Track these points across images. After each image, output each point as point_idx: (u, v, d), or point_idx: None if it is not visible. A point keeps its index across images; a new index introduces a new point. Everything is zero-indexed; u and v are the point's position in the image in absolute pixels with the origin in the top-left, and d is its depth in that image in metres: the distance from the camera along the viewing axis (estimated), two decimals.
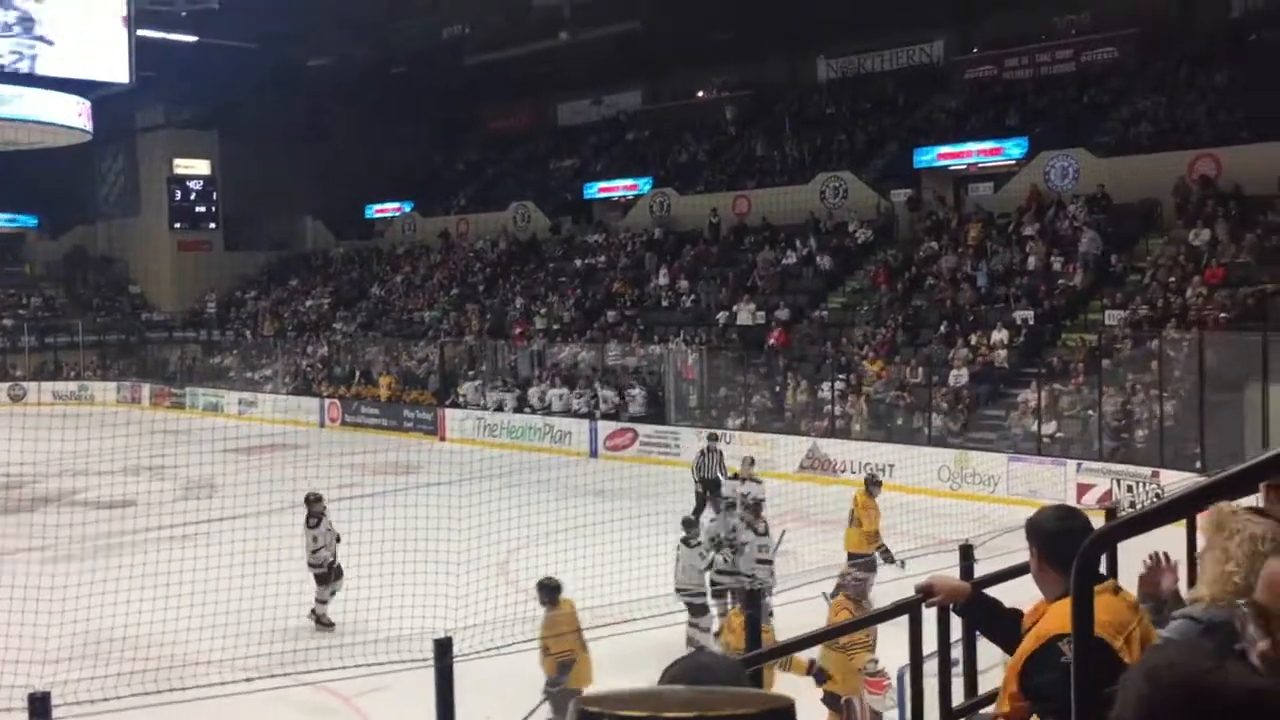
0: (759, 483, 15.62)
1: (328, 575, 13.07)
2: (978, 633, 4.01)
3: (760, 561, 12.16)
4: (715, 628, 11.68)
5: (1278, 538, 2.55)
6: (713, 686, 2.09)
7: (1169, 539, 3.18)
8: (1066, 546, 2.99)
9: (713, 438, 18.91)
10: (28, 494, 20.78)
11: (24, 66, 23.18)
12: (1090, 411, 20.03)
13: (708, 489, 17.53)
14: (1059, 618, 2.98)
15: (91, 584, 11.53)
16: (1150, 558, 3.41)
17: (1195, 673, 1.52)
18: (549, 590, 9.92)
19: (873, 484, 14.29)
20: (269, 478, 18.82)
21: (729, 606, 11.93)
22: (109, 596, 11.36)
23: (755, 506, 12.78)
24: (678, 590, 12.08)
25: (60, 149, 28.43)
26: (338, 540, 13.35)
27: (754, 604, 9.98)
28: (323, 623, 12.78)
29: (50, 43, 24.18)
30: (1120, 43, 29.27)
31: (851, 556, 12.54)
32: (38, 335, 40.01)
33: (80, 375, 38.76)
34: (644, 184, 35.81)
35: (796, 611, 11.26)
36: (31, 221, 44.40)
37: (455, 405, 29.29)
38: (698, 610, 11.83)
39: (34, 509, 19.08)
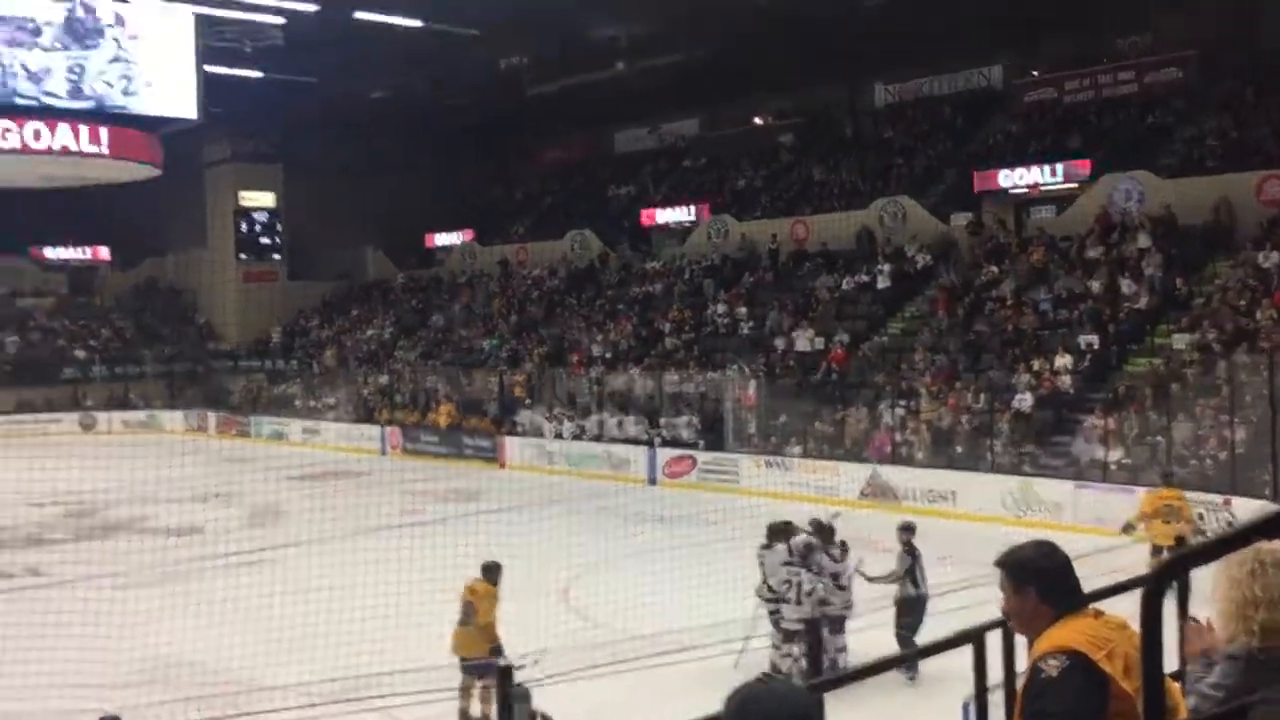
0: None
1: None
2: None
3: (837, 587, 11.98)
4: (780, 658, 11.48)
5: None
6: None
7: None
8: (1063, 580, 3.16)
9: (907, 529, 12.46)
10: (99, 521, 21.25)
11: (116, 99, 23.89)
12: (1158, 438, 19.66)
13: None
14: (1041, 644, 3.06)
15: (160, 610, 11.76)
16: (1186, 626, 3.40)
17: None
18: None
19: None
20: (333, 505, 19.10)
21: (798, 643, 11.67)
22: (178, 622, 11.58)
23: (829, 531, 12.50)
24: (766, 600, 11.78)
25: (131, 183, 29.16)
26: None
27: (814, 632, 9.90)
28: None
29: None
30: (1183, 64, 28.89)
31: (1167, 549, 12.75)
32: (108, 365, 40.93)
33: (149, 404, 39.56)
34: (701, 211, 35.90)
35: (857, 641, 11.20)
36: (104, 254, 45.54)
37: (514, 433, 29.45)
38: (787, 634, 11.45)
39: (105, 536, 19.50)
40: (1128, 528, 14.77)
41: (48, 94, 23.35)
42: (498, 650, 10.13)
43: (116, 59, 24.05)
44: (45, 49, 23.00)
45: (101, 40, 23.77)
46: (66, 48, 23.17)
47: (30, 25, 22.75)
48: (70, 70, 23.30)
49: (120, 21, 24.03)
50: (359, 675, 10.61)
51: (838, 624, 11.55)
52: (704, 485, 24.00)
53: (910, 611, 11.66)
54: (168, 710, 9.62)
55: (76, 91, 23.61)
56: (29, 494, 18.41)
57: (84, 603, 11.89)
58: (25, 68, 22.78)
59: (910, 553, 12.04)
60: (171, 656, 11.48)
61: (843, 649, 11.44)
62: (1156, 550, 13.61)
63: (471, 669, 10.17)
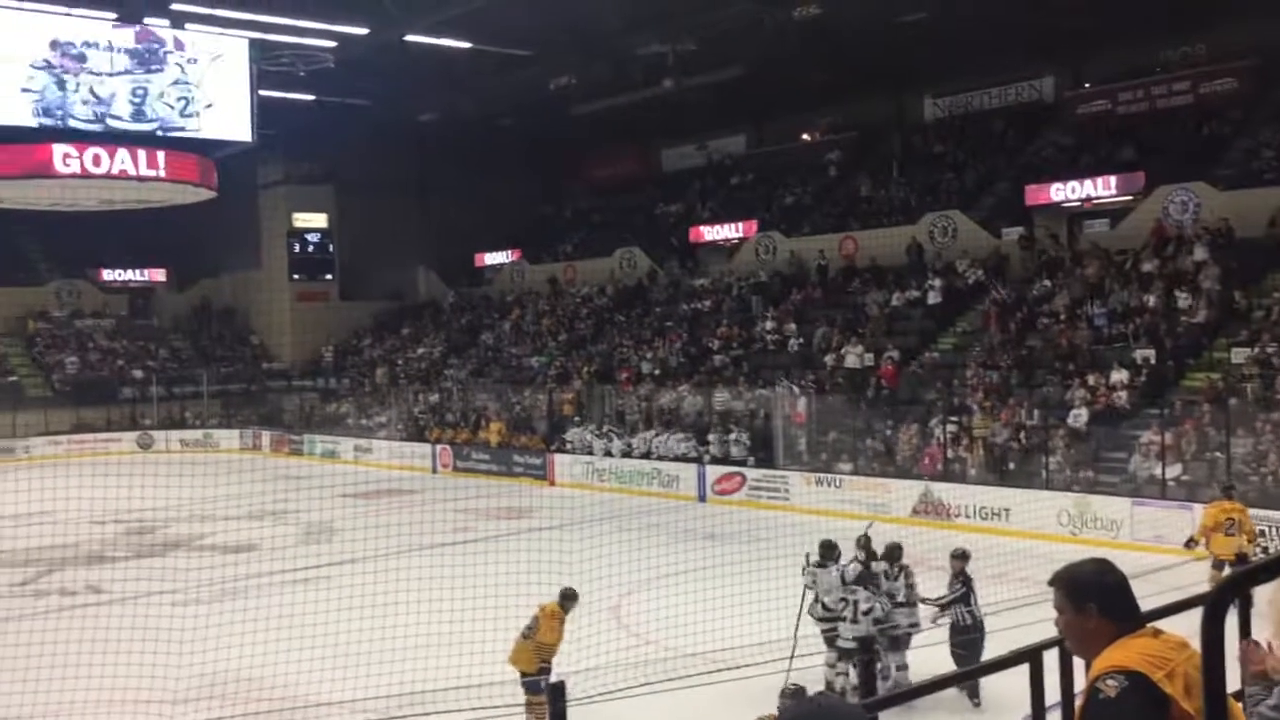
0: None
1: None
2: None
3: (894, 605, 11.86)
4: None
5: None
6: None
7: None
8: (1123, 597, 3.15)
9: (961, 556, 12.14)
10: (159, 539, 21.60)
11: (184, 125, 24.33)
12: (1217, 454, 19.31)
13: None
14: (1099, 664, 3.03)
15: (219, 625, 11.92)
16: (1243, 648, 3.34)
17: None
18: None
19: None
20: (385, 522, 19.27)
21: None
22: (234, 638, 11.72)
23: (892, 551, 12.31)
24: (820, 619, 11.65)
25: (187, 205, 29.69)
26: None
27: (868, 650, 9.83)
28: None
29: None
30: (1240, 74, 28.47)
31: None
32: (165, 385, 41.61)
33: (205, 423, 40.17)
34: (748, 228, 35.92)
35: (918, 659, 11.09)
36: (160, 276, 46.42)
37: (563, 450, 29.55)
38: (842, 652, 11.32)
39: (164, 553, 19.81)
40: (1190, 543, 14.63)
41: (112, 117, 23.81)
42: (544, 670, 10.18)
43: (177, 82, 24.51)
44: (110, 74, 23.48)
45: (165, 65, 24.23)
46: (130, 72, 23.65)
47: (75, 51, 23.19)
48: (133, 94, 23.77)
49: (180, 46, 24.51)
50: (411, 691, 10.68)
51: (900, 642, 11.42)
52: (754, 503, 23.91)
53: (964, 635, 11.36)
54: None
55: (139, 114, 24.08)
56: (90, 512, 18.74)
57: (145, 619, 12.08)
58: (93, 92, 23.26)
59: (964, 581, 11.67)
60: (229, 673, 11.63)
61: (904, 667, 11.33)
62: (1219, 564, 13.60)
63: (524, 684, 10.25)
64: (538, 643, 10.33)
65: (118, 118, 23.79)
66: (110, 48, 23.64)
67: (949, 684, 7.91)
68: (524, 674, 10.33)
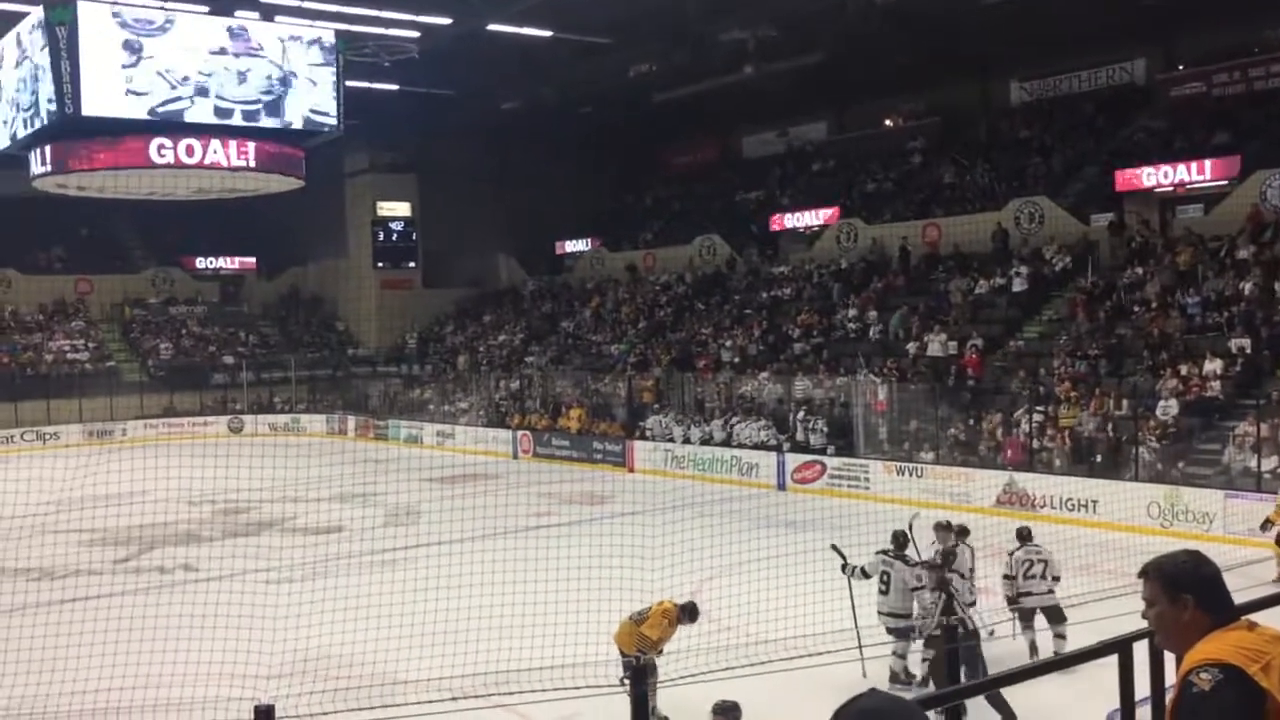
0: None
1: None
2: None
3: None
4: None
5: None
6: None
7: None
8: (1219, 589, 3.13)
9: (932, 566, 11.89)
10: (251, 519, 22.21)
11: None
12: None
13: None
14: (1193, 657, 3.01)
15: (309, 604, 12.24)
16: None
17: None
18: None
19: None
20: (467, 506, 19.58)
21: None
22: (326, 616, 12.04)
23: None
24: (886, 615, 11.67)
25: (276, 195, 30.33)
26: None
27: (953, 639, 9.73)
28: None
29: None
30: None
31: None
32: (255, 371, 42.67)
33: (293, 408, 41.09)
34: (829, 215, 35.63)
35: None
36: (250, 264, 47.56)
37: (643, 437, 29.67)
38: (930, 640, 11.18)
39: (256, 533, 20.37)
40: (1266, 524, 14.39)
41: (249, 115, 24.05)
42: (636, 659, 10.18)
43: (311, 82, 24.70)
44: (261, 69, 23.72)
45: (305, 64, 24.37)
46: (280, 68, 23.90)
47: (237, 45, 23.24)
48: (267, 92, 24.05)
49: (328, 48, 24.71)
50: (493, 671, 10.87)
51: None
52: (834, 491, 23.79)
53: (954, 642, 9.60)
54: (316, 700, 10.04)
55: (278, 113, 24.33)
56: (186, 492, 19.33)
57: (238, 596, 12.46)
58: (252, 87, 23.42)
59: (942, 586, 10.93)
60: (319, 649, 11.95)
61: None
62: None
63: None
64: (641, 633, 10.36)
65: (262, 120, 24.02)
66: (260, 48, 23.77)
67: (1035, 673, 7.82)
68: (623, 654, 10.38)
